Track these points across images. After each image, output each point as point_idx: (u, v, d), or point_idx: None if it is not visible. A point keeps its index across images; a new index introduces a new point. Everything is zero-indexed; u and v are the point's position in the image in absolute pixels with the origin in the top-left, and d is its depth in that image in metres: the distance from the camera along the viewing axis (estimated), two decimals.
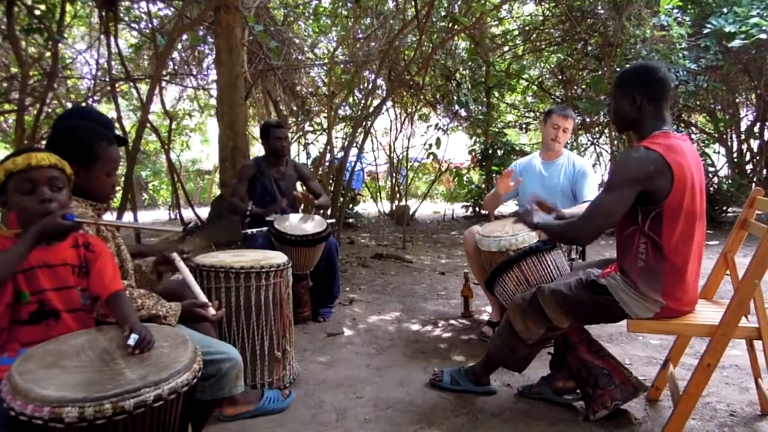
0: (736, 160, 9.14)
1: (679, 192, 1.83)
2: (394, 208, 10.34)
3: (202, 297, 1.78)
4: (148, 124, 5.97)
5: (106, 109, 8.87)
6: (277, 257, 2.52)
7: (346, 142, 7.19)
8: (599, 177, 8.29)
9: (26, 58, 5.62)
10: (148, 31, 7.01)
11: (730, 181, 8.30)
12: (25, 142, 4.83)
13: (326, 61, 8.81)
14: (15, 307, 1.40)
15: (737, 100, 9.24)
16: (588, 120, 8.81)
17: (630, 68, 2.06)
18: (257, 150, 10.41)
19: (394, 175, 10.72)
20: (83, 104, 6.60)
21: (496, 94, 9.37)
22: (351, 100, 8.52)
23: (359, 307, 3.95)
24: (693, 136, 9.08)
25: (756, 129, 8.79)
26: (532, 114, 10.29)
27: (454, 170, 10.12)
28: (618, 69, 6.70)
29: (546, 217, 2.29)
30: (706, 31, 6.41)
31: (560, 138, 3.18)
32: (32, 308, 1.41)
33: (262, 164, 3.76)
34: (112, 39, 5.80)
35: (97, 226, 1.73)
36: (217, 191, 9.54)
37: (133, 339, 1.34)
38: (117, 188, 1.84)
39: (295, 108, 9.13)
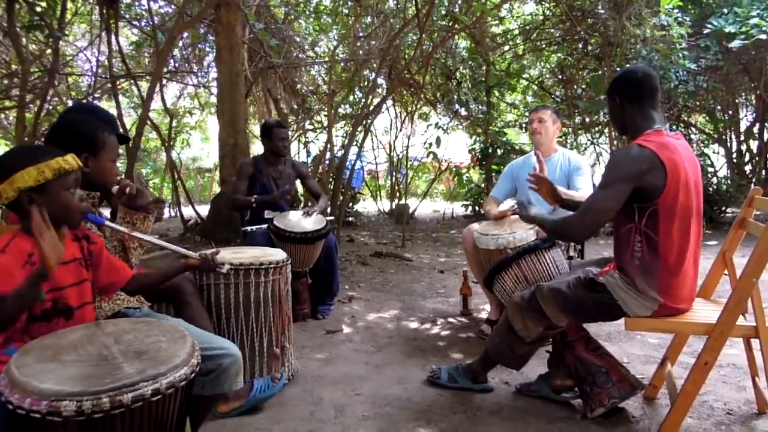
0: (735, 160, 9.15)
1: (672, 189, 1.84)
2: (393, 206, 10.34)
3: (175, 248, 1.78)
4: (149, 122, 5.97)
5: (107, 106, 8.86)
6: (277, 254, 2.52)
7: (346, 141, 7.19)
8: (598, 175, 8.29)
9: (27, 55, 5.62)
10: (148, 28, 7.01)
11: (729, 182, 8.30)
12: (25, 139, 4.83)
13: (327, 59, 8.82)
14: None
15: (737, 101, 9.25)
16: (588, 120, 8.81)
17: (618, 72, 2.16)
18: (257, 148, 10.40)
19: (394, 173, 10.72)
20: (85, 101, 6.60)
21: (497, 93, 9.37)
22: (351, 98, 8.52)
23: (358, 305, 3.95)
24: (692, 136, 9.08)
25: (755, 129, 8.80)
26: (532, 113, 10.28)
27: (454, 169, 10.13)
28: (618, 69, 6.70)
29: (543, 212, 2.30)
30: (706, 31, 6.40)
31: (539, 128, 3.24)
32: (46, 306, 1.42)
33: (261, 163, 3.76)
34: (112, 36, 5.79)
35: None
36: (217, 189, 9.53)
37: (226, 268, 1.62)
38: (118, 177, 1.86)
39: (295, 106, 9.14)
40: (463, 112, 9.23)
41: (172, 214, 10.45)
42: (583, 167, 3.17)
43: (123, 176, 2.09)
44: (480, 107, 8.99)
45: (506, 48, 9.49)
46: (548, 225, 2.14)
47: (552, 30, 8.69)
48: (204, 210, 7.86)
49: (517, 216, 3.12)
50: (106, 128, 1.80)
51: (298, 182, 4.02)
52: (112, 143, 1.79)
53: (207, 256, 1.67)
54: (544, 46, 9.05)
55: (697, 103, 8.42)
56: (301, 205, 3.73)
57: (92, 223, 1.58)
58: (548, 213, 2.83)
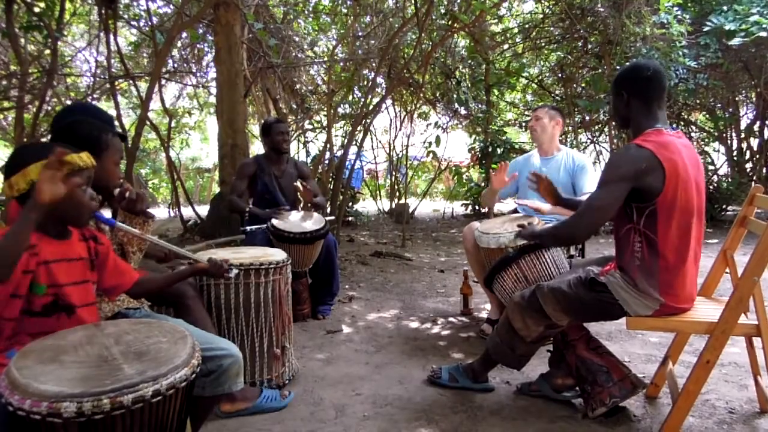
0: (735, 158, 9.15)
1: (671, 189, 1.83)
2: (393, 206, 10.34)
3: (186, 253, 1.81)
4: (148, 122, 5.96)
5: (106, 106, 8.83)
6: (277, 254, 2.51)
7: (346, 140, 7.19)
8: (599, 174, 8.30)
9: (25, 55, 5.61)
10: (147, 28, 7.00)
11: (729, 180, 8.30)
12: (24, 139, 4.82)
13: (326, 59, 8.80)
14: (29, 297, 1.39)
15: (737, 99, 9.24)
16: (588, 118, 8.80)
17: (624, 66, 2.13)
18: (257, 148, 10.40)
19: (393, 173, 10.72)
20: (83, 101, 6.59)
21: (496, 92, 9.37)
22: (350, 98, 8.52)
23: (358, 305, 3.95)
24: (693, 134, 9.09)
25: (756, 127, 8.80)
26: (531, 112, 10.29)
27: (454, 168, 10.13)
28: (618, 67, 6.70)
29: (543, 224, 2.30)
30: (706, 28, 6.40)
31: (536, 126, 3.29)
32: (46, 300, 1.41)
33: (263, 162, 3.76)
34: (111, 36, 5.78)
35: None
36: (216, 189, 9.52)
37: (233, 272, 1.66)
38: (121, 179, 1.85)
39: (294, 106, 9.12)
40: (462, 111, 9.23)
41: (172, 214, 10.45)
42: (588, 167, 3.18)
43: (123, 178, 2.08)
44: (479, 106, 8.99)
45: (506, 47, 9.49)
46: (550, 234, 2.16)
47: (551, 28, 8.68)
48: (203, 210, 7.86)
49: (518, 215, 3.12)
50: (111, 130, 1.79)
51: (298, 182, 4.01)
52: (115, 145, 1.78)
53: (216, 261, 1.67)
54: (543, 44, 9.04)
55: (697, 101, 8.42)
56: (300, 205, 3.72)
57: (103, 224, 1.57)
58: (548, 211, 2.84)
